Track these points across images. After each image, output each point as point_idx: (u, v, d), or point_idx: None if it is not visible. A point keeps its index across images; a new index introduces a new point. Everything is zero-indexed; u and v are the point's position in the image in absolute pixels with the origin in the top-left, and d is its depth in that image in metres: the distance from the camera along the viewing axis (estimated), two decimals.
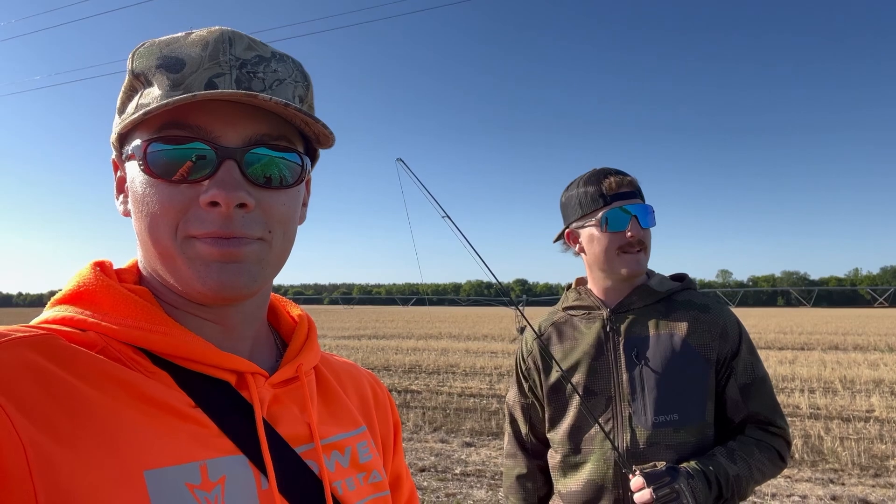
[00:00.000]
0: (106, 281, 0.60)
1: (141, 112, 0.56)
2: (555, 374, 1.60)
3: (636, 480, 1.35)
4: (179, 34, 0.61)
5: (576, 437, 1.53)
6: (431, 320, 40.74)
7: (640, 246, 1.53)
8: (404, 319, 42.21)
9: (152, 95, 0.58)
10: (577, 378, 1.55)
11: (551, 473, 1.62)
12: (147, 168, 0.57)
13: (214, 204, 0.56)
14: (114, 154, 0.65)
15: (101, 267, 0.63)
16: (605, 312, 1.57)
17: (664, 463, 1.39)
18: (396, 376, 11.78)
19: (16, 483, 0.45)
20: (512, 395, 1.75)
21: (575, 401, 1.54)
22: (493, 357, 15.50)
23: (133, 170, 0.60)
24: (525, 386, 1.70)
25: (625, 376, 1.50)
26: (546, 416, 1.62)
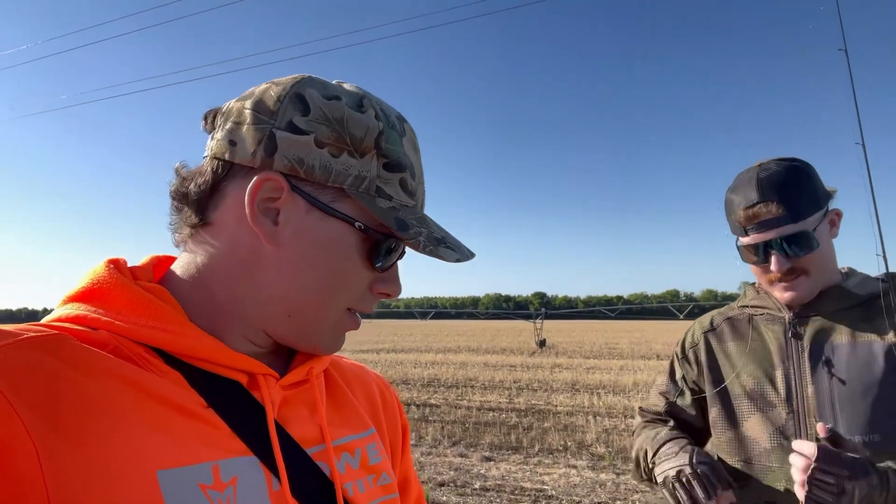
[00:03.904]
0: (120, 279, 0.60)
1: (418, 241, 0.62)
2: (725, 375, 1.44)
3: (808, 446, 1.14)
4: (389, 115, 0.65)
5: (746, 449, 1.37)
6: (450, 334, 40.65)
7: (794, 274, 1.32)
8: (423, 333, 42.16)
9: (401, 198, 0.65)
10: (752, 384, 1.39)
11: None
12: (372, 258, 0.63)
13: (387, 295, 0.67)
14: (279, 177, 0.60)
15: (116, 264, 0.63)
16: (787, 316, 1.38)
17: (864, 453, 1.18)
18: (415, 390, 11.74)
19: (27, 484, 0.45)
20: (661, 381, 1.60)
21: (746, 408, 1.39)
22: (511, 370, 15.39)
23: (339, 233, 0.62)
24: (678, 374, 1.56)
25: (809, 389, 1.31)
26: (709, 416, 1.47)
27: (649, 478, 1.44)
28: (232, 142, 0.61)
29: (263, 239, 0.60)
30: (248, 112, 0.62)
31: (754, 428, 1.37)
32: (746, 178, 1.34)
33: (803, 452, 1.16)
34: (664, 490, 1.29)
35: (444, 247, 0.64)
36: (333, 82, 0.66)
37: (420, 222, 0.65)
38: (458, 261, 0.65)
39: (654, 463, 1.40)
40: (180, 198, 0.63)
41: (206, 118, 0.66)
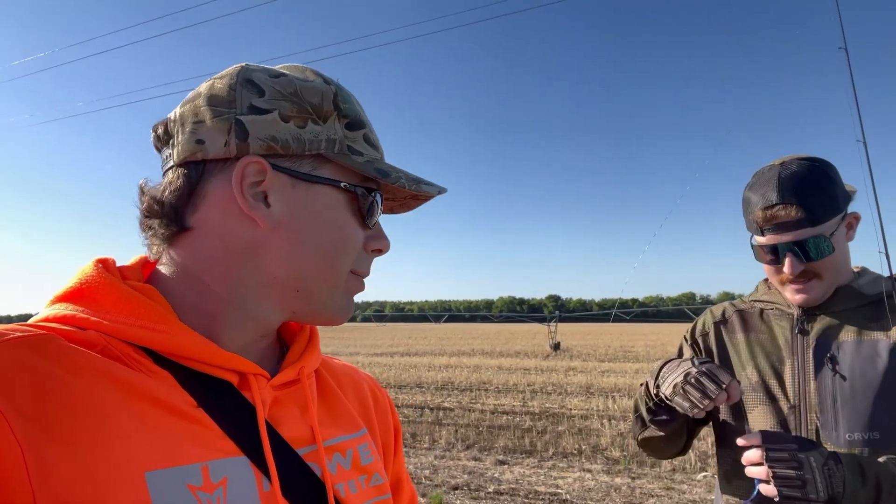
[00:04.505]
0: (108, 278, 0.59)
1: (402, 184, 0.65)
2: (732, 366, 1.44)
3: (750, 436, 1.19)
4: (332, 79, 0.67)
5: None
6: (464, 337, 40.56)
7: (807, 277, 1.32)
8: (437, 336, 42.11)
9: (370, 152, 0.66)
10: (757, 377, 1.39)
11: (718, 479, 1.46)
12: (364, 214, 0.65)
13: (379, 251, 0.69)
14: (259, 159, 0.61)
15: (104, 264, 0.62)
16: (795, 312, 1.39)
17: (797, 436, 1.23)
18: (429, 393, 11.72)
19: (13, 484, 0.44)
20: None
21: (751, 400, 1.39)
22: (525, 374, 15.33)
23: (328, 198, 0.64)
24: (686, 355, 1.53)
25: (812, 384, 1.32)
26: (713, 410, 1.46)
27: (656, 406, 1.41)
28: (199, 140, 0.61)
29: (261, 223, 0.61)
30: (204, 109, 0.62)
31: (757, 420, 1.37)
32: (767, 177, 1.32)
33: (748, 441, 1.19)
34: (676, 398, 1.28)
35: (424, 184, 0.68)
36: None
37: (394, 169, 0.67)
38: (439, 192, 0.70)
39: (658, 386, 1.39)
40: (154, 213, 0.62)
41: (155, 130, 0.66)
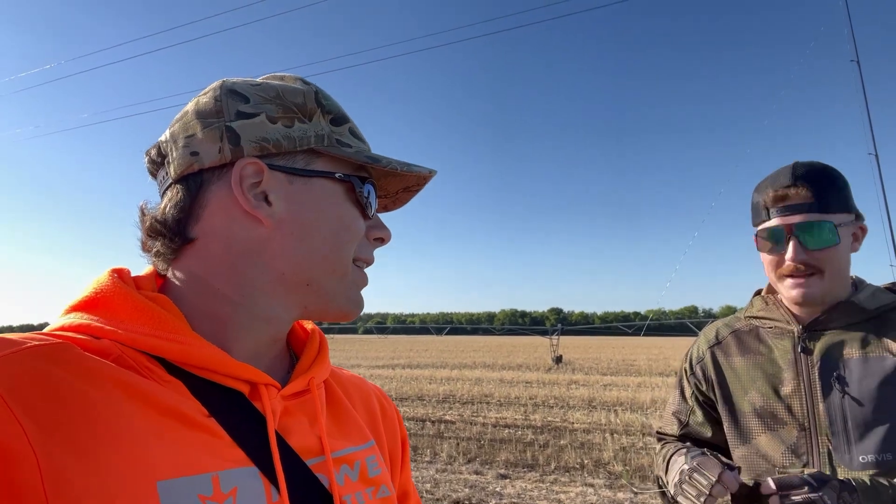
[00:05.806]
0: (123, 288, 0.60)
1: (393, 167, 0.67)
2: (732, 392, 1.42)
3: (765, 485, 1.18)
4: (310, 81, 0.69)
5: (758, 467, 1.35)
6: (465, 349, 40.49)
7: (810, 270, 1.29)
8: (438, 349, 42.03)
9: (357, 143, 0.68)
10: (761, 401, 1.36)
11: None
12: (362, 203, 0.67)
13: (381, 240, 0.71)
14: (254, 159, 0.62)
15: (119, 274, 0.63)
16: (796, 329, 1.35)
17: (813, 470, 1.22)
18: (430, 406, 11.67)
19: (27, 490, 0.45)
20: (672, 400, 1.59)
21: (756, 425, 1.36)
22: (527, 387, 15.27)
23: (326, 190, 0.65)
24: (687, 392, 1.54)
25: (821, 405, 1.28)
26: (724, 431, 1.46)
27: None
28: (194, 153, 0.62)
29: (265, 221, 0.62)
30: (194, 122, 0.63)
31: (765, 446, 1.35)
32: (782, 168, 1.35)
33: (764, 493, 1.19)
34: (679, 498, 1.27)
35: (414, 166, 0.70)
36: None
37: (383, 156, 0.69)
38: (430, 172, 0.71)
39: (667, 482, 1.38)
40: (157, 232, 0.63)
41: (148, 154, 0.67)
